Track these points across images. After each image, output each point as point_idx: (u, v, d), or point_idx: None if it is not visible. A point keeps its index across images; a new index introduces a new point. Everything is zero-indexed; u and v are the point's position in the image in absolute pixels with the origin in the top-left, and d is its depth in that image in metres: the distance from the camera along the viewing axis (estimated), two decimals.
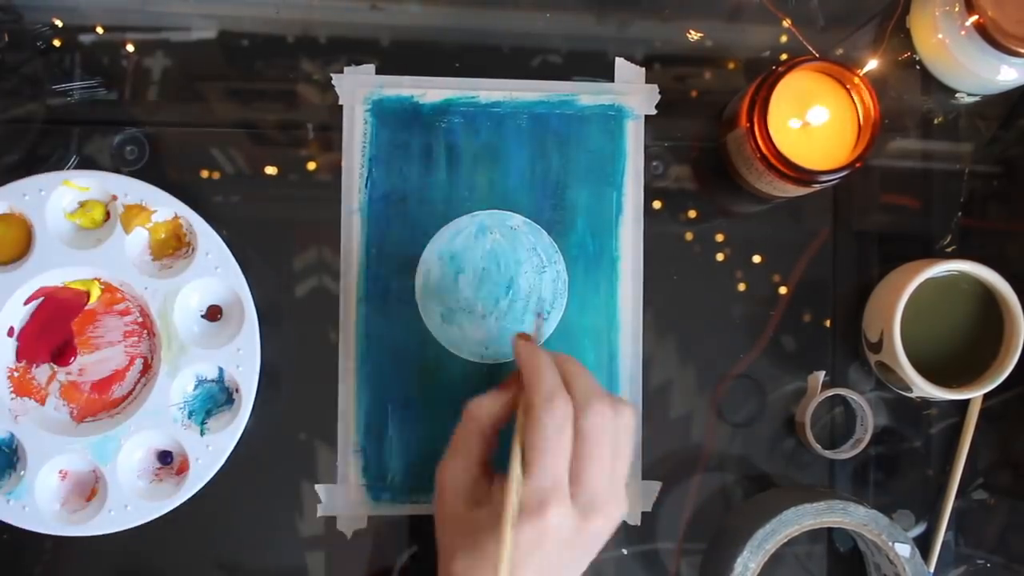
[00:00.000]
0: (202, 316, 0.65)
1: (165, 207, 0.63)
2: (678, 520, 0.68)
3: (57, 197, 0.62)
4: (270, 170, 0.66)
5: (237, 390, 0.63)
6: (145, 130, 0.65)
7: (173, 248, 0.64)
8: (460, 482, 0.55)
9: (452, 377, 0.66)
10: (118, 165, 0.65)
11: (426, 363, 0.66)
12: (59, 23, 0.65)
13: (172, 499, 0.62)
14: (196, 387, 0.64)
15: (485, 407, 0.56)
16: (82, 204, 0.64)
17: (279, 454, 0.65)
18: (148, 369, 0.64)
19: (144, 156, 0.65)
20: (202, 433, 0.63)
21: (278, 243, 0.66)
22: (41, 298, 0.63)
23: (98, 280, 0.64)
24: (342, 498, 0.66)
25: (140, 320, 0.64)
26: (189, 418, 0.63)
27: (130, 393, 0.64)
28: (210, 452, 0.62)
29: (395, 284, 0.66)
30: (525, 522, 0.51)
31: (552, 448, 0.52)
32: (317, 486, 0.65)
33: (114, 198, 0.62)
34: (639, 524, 0.67)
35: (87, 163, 0.64)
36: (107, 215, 0.64)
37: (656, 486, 0.67)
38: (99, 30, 0.65)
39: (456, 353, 0.66)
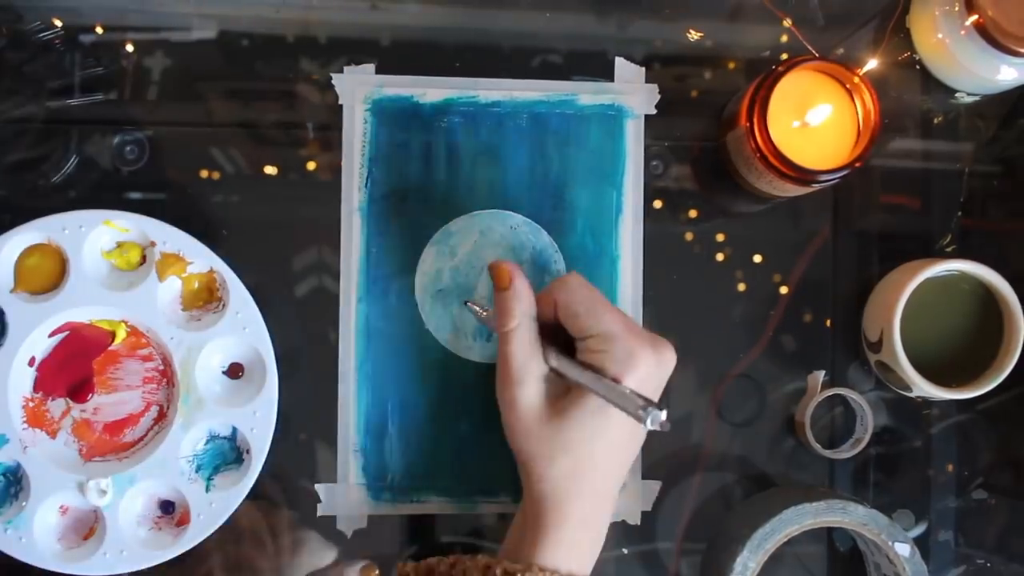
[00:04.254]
0: (223, 372, 0.65)
1: (202, 259, 0.63)
2: (678, 520, 0.68)
3: (96, 235, 0.62)
4: (270, 170, 0.66)
5: (248, 451, 0.63)
6: (145, 130, 0.65)
7: (204, 301, 0.64)
8: (534, 393, 0.57)
9: (452, 377, 0.66)
10: (118, 165, 0.65)
11: (426, 363, 0.66)
12: (59, 23, 0.65)
13: (168, 550, 0.62)
14: (207, 442, 0.64)
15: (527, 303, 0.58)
16: (120, 244, 0.63)
17: (279, 453, 0.65)
18: (163, 418, 0.64)
19: (144, 156, 0.65)
20: (207, 489, 0.62)
21: (278, 243, 0.66)
22: (66, 332, 0.63)
23: (125, 322, 0.63)
24: (342, 498, 0.66)
25: (161, 368, 0.64)
26: (196, 472, 0.63)
27: (141, 439, 0.64)
28: (212, 509, 0.62)
29: (395, 284, 0.66)
30: (628, 377, 0.55)
31: (600, 303, 0.57)
32: (317, 486, 0.65)
33: (152, 244, 0.62)
34: (639, 524, 0.67)
35: (87, 163, 0.64)
36: (143, 259, 0.63)
37: (656, 486, 0.67)
38: (99, 30, 0.65)
39: (456, 353, 0.66)
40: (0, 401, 0.61)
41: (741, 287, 0.68)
